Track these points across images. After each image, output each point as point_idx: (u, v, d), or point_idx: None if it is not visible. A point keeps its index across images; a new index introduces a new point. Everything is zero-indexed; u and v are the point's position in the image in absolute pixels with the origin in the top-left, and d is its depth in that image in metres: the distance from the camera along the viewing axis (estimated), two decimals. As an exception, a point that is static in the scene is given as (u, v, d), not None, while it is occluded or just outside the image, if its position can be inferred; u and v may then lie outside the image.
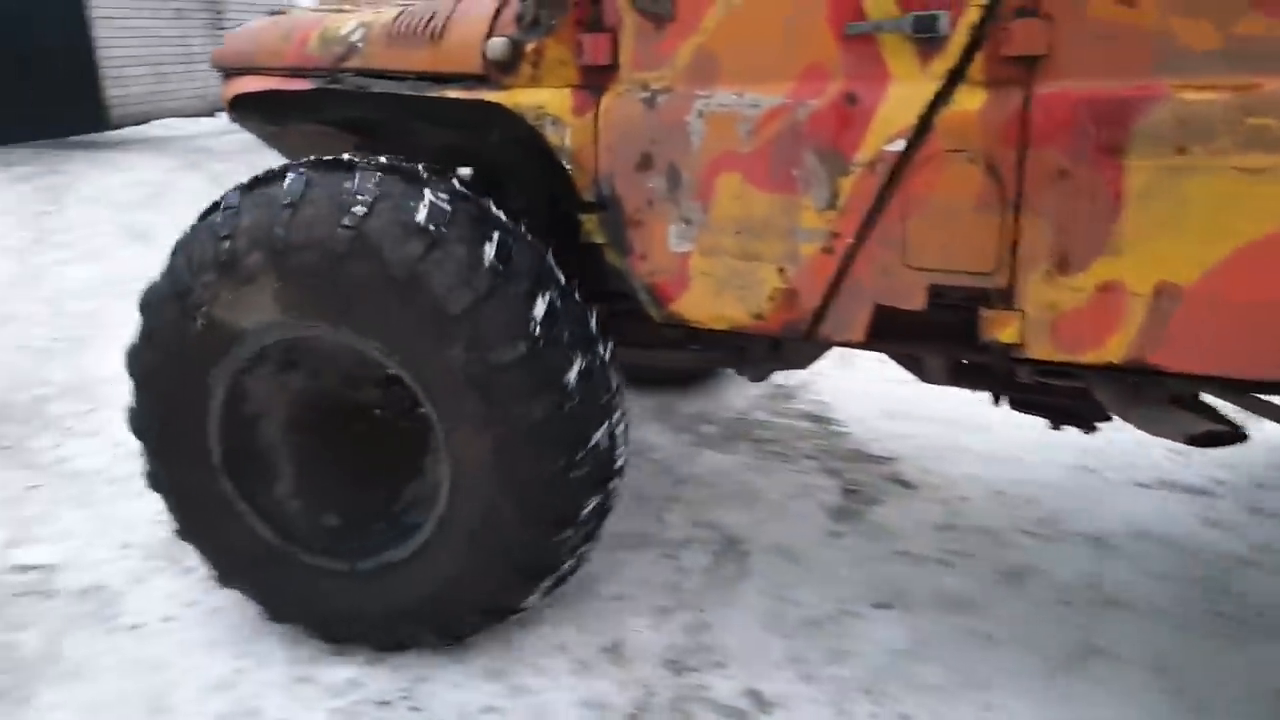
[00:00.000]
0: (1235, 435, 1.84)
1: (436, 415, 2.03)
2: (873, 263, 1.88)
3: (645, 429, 3.60)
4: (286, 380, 2.31)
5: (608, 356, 2.17)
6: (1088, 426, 2.29)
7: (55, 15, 11.95)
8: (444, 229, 1.97)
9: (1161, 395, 1.90)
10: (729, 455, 3.40)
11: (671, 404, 3.84)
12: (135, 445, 2.33)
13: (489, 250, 1.97)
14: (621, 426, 2.20)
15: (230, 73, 2.81)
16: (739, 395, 3.94)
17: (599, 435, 2.07)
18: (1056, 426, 2.36)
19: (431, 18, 2.37)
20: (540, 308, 1.98)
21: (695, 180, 2.00)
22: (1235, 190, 1.55)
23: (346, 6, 2.77)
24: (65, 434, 3.60)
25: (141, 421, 2.29)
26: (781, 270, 1.96)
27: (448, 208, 2.01)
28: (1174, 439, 1.86)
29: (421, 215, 1.97)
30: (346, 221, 1.97)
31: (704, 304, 2.09)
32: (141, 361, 2.24)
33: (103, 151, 10.89)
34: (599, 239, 2.17)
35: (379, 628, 2.24)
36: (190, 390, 2.19)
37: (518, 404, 1.95)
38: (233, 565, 2.35)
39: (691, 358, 2.63)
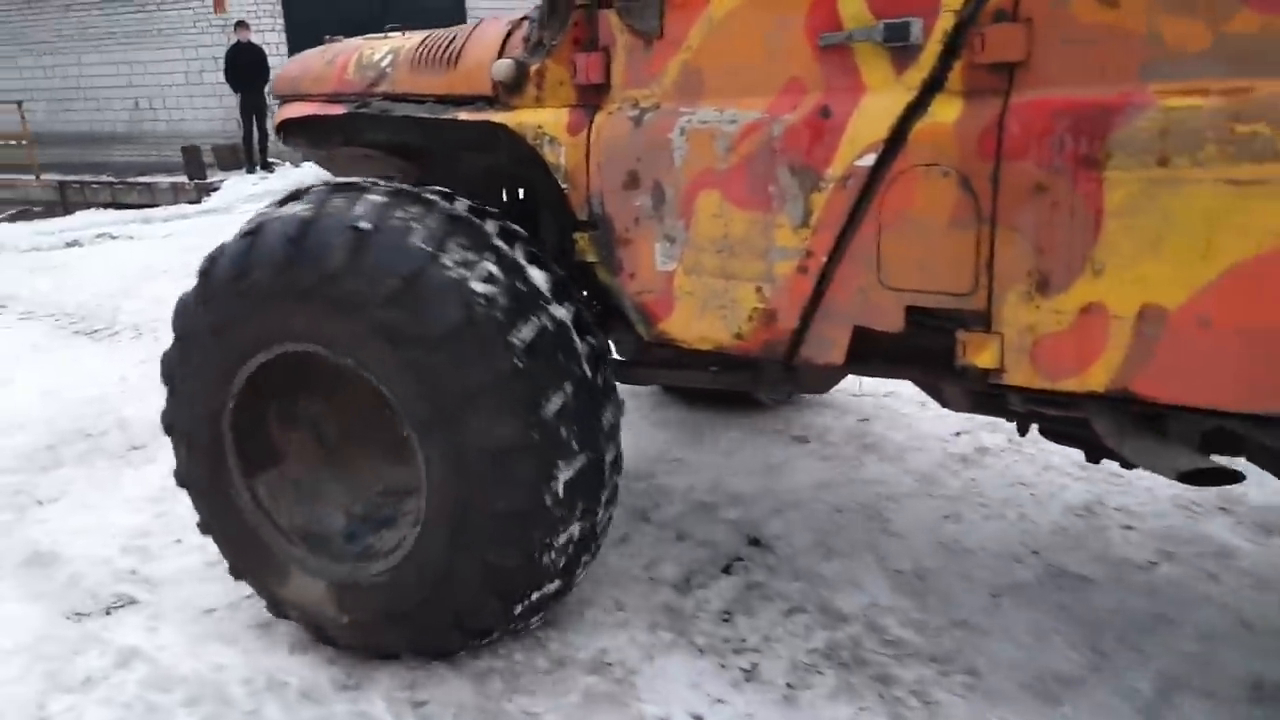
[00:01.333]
0: (1230, 475, 1.65)
1: (413, 432, 2.01)
2: (849, 282, 1.79)
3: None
4: (296, 390, 2.37)
5: (601, 384, 2.11)
6: (1125, 461, 2.11)
7: None
8: (435, 252, 1.94)
9: (1154, 427, 1.73)
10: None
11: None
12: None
13: (475, 276, 1.93)
14: (611, 456, 2.14)
15: (284, 99, 2.96)
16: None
17: (577, 465, 2.00)
18: (1094, 460, 2.18)
19: (451, 42, 2.44)
20: (526, 334, 1.93)
21: (678, 198, 1.96)
22: (1224, 205, 1.41)
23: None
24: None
25: (170, 419, 2.37)
26: (759, 290, 1.90)
27: (440, 232, 1.98)
28: (1166, 475, 1.68)
29: (418, 238, 1.96)
30: (340, 245, 1.97)
31: (689, 324, 2.04)
32: (169, 364, 2.33)
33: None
34: (592, 257, 2.16)
35: (367, 632, 2.23)
36: (210, 393, 2.25)
37: (489, 427, 1.90)
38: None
39: (710, 378, 2.56)
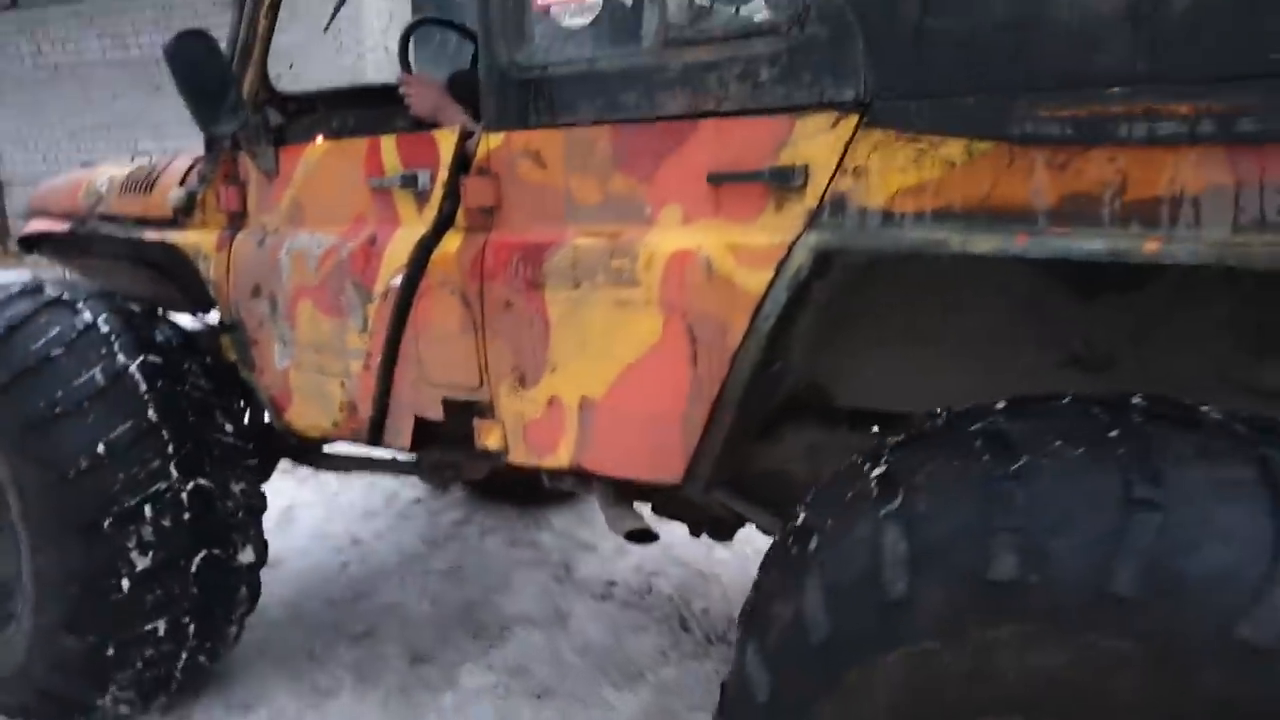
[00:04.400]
0: (649, 535, 2.04)
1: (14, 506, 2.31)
2: (405, 378, 2.17)
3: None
4: None
5: (211, 485, 2.39)
6: (725, 534, 2.48)
7: None
8: (59, 350, 2.31)
9: (611, 494, 2.12)
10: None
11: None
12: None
13: (75, 377, 2.28)
14: (216, 553, 2.41)
15: (34, 215, 3.32)
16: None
17: (156, 560, 2.29)
18: (695, 534, 2.55)
19: (152, 171, 2.83)
20: (109, 435, 2.25)
21: (286, 306, 2.35)
22: (614, 319, 1.82)
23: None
24: None
25: None
26: (343, 384, 2.27)
27: (74, 331, 2.35)
28: (620, 535, 2.06)
29: (51, 335, 2.33)
30: None
31: (302, 414, 2.40)
32: None
33: None
34: (234, 356, 2.52)
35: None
36: None
37: (66, 518, 2.23)
38: None
39: (380, 468, 2.91)
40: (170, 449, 2.32)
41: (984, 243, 1.41)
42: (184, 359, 2.51)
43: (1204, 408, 1.26)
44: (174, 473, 2.32)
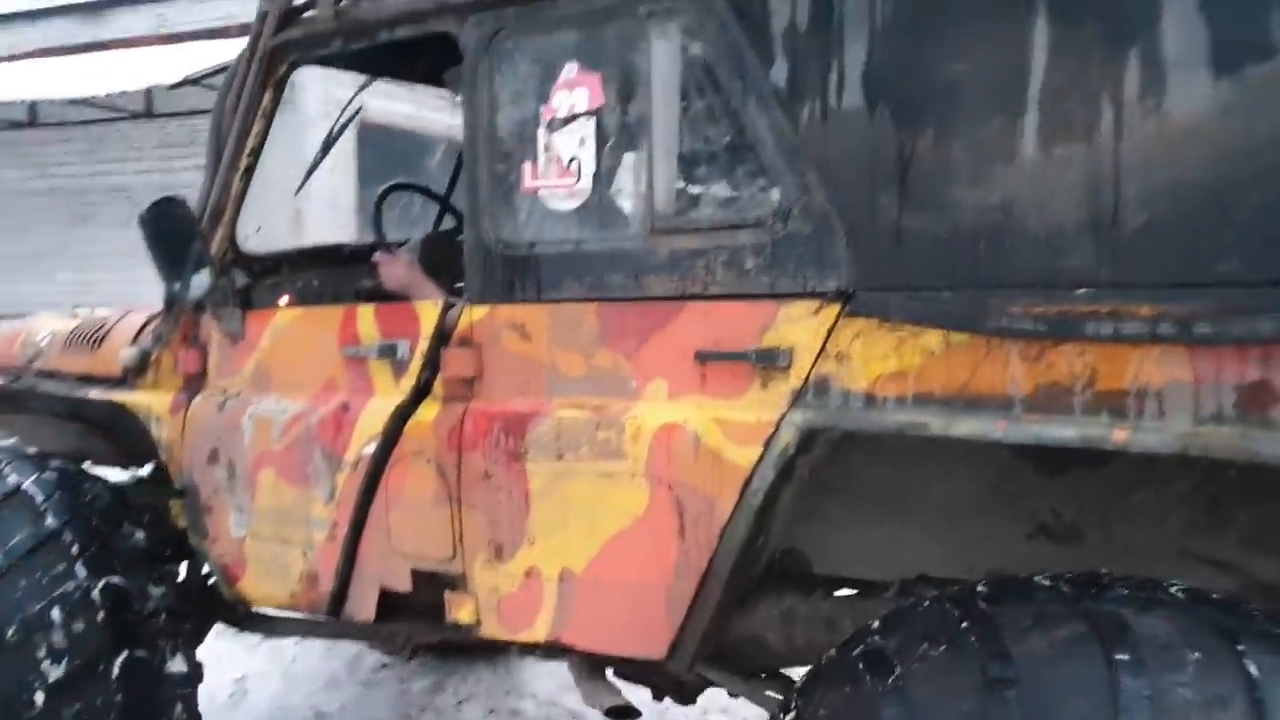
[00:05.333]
0: (630, 711, 2.00)
1: None
2: (372, 549, 2.13)
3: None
4: None
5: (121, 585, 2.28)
6: (687, 698, 2.43)
7: None
8: None
9: (585, 667, 2.08)
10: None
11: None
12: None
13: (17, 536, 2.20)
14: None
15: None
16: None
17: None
18: (658, 697, 2.50)
19: (100, 327, 2.77)
20: (34, 598, 2.15)
21: (246, 473, 2.29)
22: (598, 490, 1.83)
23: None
24: None
25: None
26: (304, 554, 2.21)
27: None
28: (601, 711, 2.02)
29: None
30: None
31: (257, 584, 2.31)
32: None
33: None
34: (184, 523, 2.43)
35: None
36: None
37: None
38: None
39: (327, 632, 2.79)
40: (100, 616, 2.21)
41: (964, 427, 1.50)
42: (115, 519, 2.40)
43: (1035, 577, 1.42)
44: (91, 645, 2.20)
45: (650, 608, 1.79)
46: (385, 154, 8.55)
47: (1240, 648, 1.19)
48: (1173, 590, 1.34)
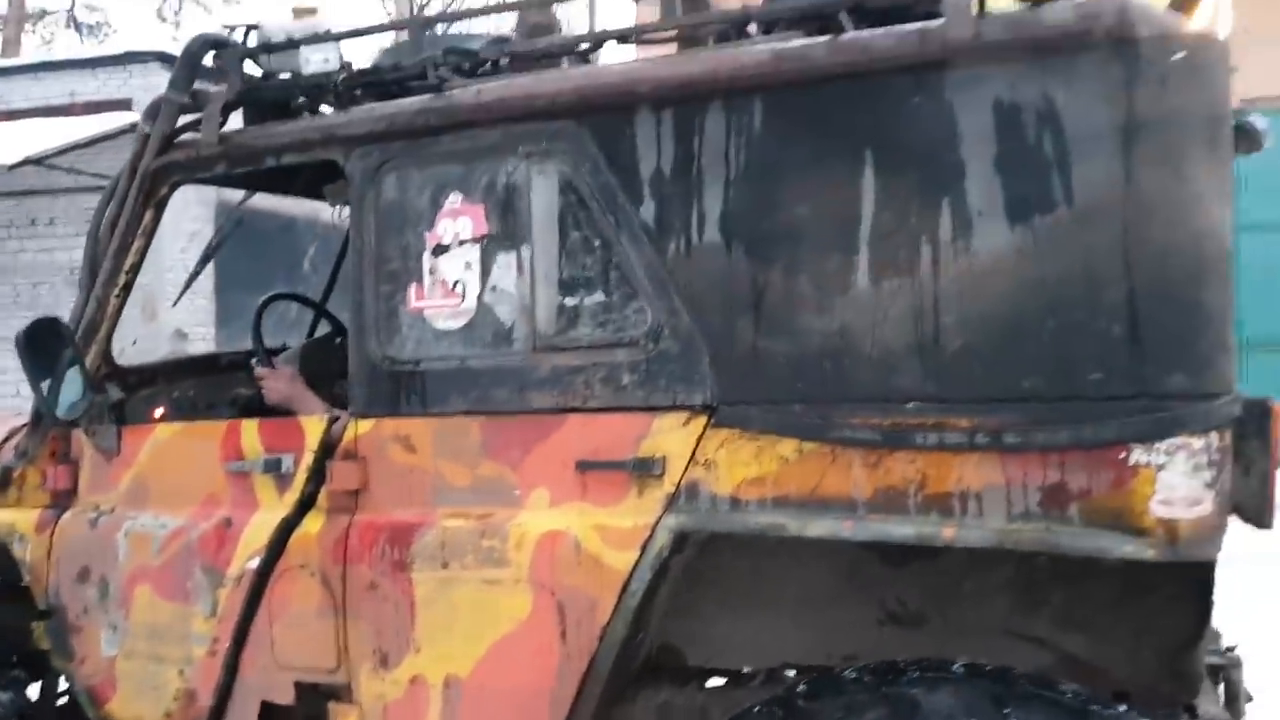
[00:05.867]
0: None
1: None
2: (253, 662, 2.12)
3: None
4: None
5: None
6: None
7: None
8: None
9: None
10: None
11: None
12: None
13: None
14: None
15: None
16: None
17: None
18: None
19: (-45, 441, 2.68)
20: None
21: (119, 590, 2.25)
22: (482, 597, 1.92)
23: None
24: None
25: None
26: (181, 672, 2.18)
27: None
28: None
29: None
30: None
31: (128, 705, 2.25)
32: None
33: None
34: (47, 645, 2.35)
35: None
36: None
37: None
38: None
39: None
40: None
41: (816, 527, 1.68)
42: None
43: (844, 672, 1.70)
44: None
45: (534, 709, 1.87)
46: (240, 235, 8.43)
47: (1006, 711, 1.54)
48: (955, 669, 1.63)
